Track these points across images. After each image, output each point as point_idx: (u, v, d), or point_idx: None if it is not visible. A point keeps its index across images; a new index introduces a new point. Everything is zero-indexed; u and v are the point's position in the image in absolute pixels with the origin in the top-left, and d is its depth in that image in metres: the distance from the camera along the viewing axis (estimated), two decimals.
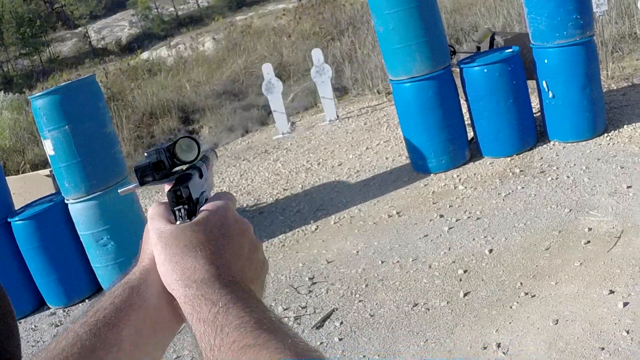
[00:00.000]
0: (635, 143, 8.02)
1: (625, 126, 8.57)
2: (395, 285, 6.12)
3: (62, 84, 8.92)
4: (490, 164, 8.46)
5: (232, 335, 0.83)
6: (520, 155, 8.45)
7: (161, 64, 21.48)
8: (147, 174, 1.05)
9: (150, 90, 17.07)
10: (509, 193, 7.49)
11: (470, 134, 8.90)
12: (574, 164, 7.81)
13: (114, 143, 7.91)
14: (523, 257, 6.06)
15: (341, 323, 5.72)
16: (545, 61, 8.30)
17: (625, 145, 8.03)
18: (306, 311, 6.09)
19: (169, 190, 1.03)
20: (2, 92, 22.20)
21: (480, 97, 8.36)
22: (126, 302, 0.98)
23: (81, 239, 7.76)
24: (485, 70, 8.22)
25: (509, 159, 8.43)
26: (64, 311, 7.92)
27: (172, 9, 39.52)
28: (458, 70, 8.64)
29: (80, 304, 7.96)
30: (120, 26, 46.34)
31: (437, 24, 8.53)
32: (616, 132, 8.47)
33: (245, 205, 9.39)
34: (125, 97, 16.86)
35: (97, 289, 8.02)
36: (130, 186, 1.12)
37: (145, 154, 1.06)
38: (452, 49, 9.29)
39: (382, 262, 6.59)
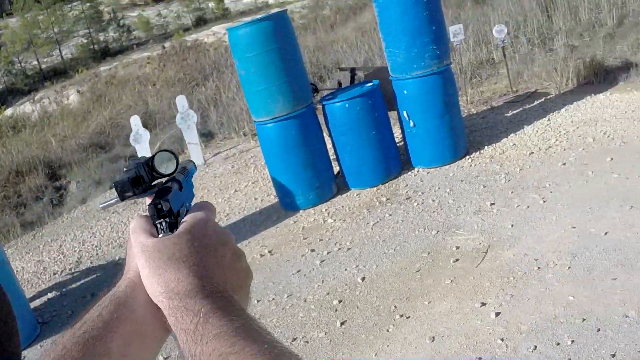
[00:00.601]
0: (496, 162, 8.33)
1: (485, 147, 8.89)
2: (272, 322, 6.09)
3: None
4: (357, 195, 8.60)
5: (211, 344, 0.85)
6: (386, 184, 8.63)
7: (25, 119, 20.99)
8: (127, 188, 1.05)
9: (15, 148, 16.60)
10: (377, 221, 7.62)
11: (337, 168, 9.03)
12: (439, 188, 8.03)
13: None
14: (395, 281, 6.17)
15: None
16: (405, 92, 8.55)
17: (487, 165, 8.32)
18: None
19: (150, 204, 1.04)
20: None
21: (343, 132, 8.53)
22: (113, 314, 0.98)
23: None
24: (347, 105, 8.38)
25: (375, 188, 8.59)
26: None
27: (36, 62, 38.62)
28: (321, 107, 8.76)
29: None
30: None
31: (298, 64, 8.66)
32: (477, 153, 8.78)
33: (117, 258, 9.19)
34: None
35: None
36: (111, 201, 1.11)
37: (125, 169, 1.07)
38: (314, 87, 9.42)
39: (258, 301, 6.56)
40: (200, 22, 44.30)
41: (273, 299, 6.56)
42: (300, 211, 8.61)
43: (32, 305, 8.35)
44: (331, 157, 8.96)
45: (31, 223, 12.71)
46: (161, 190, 1.07)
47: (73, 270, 9.46)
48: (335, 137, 8.69)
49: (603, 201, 6.63)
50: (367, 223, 7.64)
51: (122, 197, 1.06)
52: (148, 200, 1.06)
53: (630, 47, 11.85)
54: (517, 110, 10.48)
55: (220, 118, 15.21)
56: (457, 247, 6.45)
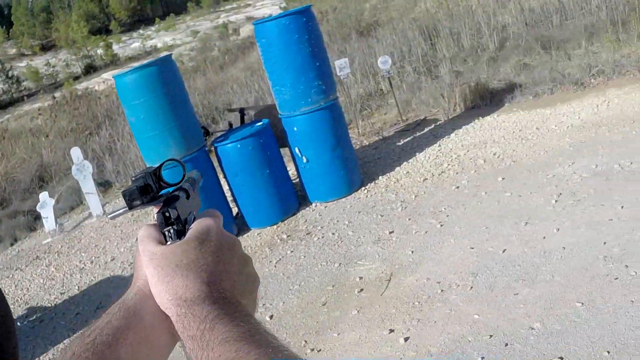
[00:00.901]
0: (391, 191, 8.46)
1: (380, 177, 9.03)
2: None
3: None
4: (258, 234, 8.60)
5: (217, 350, 0.85)
6: (285, 221, 8.66)
7: None
8: (135, 197, 1.06)
9: None
10: (280, 259, 7.63)
11: (235, 210, 9.00)
12: (337, 221, 8.10)
13: None
14: (303, 316, 6.18)
15: None
16: (295, 129, 8.62)
17: (383, 194, 8.45)
18: None
19: (158, 212, 1.05)
20: None
21: (237, 172, 8.53)
22: (123, 321, 0.98)
23: None
24: (238, 146, 8.39)
25: (275, 227, 8.62)
26: None
27: None
28: (214, 149, 8.74)
29: None
30: None
31: (187, 108, 8.62)
32: (372, 184, 8.91)
33: (24, 315, 8.93)
34: None
35: None
36: (120, 211, 1.12)
37: (132, 179, 1.07)
38: (206, 130, 9.40)
39: None
40: (90, 69, 43.89)
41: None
42: None
43: None
44: (229, 199, 8.94)
45: None
46: (169, 199, 1.08)
47: None
48: (230, 179, 8.67)
49: (498, 220, 6.82)
50: (270, 261, 7.63)
51: (131, 206, 1.07)
52: (156, 210, 1.07)
53: (513, 69, 12.29)
54: (408, 139, 10.69)
55: (117, 166, 15.02)
56: (361, 277, 6.52)
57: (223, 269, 1.00)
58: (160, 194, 1.09)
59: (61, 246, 11.46)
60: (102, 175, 14.81)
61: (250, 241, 8.44)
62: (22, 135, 22.58)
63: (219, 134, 9.60)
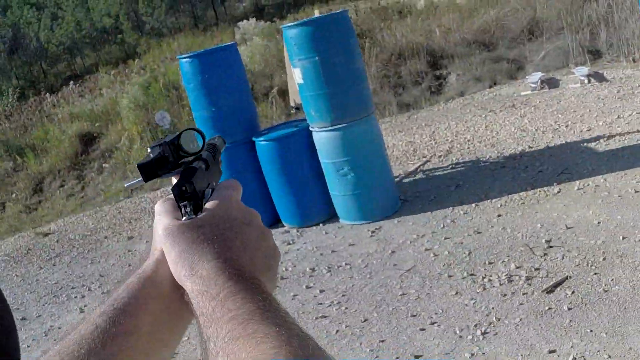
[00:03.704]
0: None
1: None
2: (634, 263, 5.73)
3: (315, 16, 9.10)
4: None
5: (225, 327, 0.83)
6: None
7: (411, 6, 21.32)
8: (151, 170, 1.06)
9: (399, 32, 17.04)
10: None
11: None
12: None
13: (363, 79, 7.99)
14: None
15: (572, 292, 5.47)
16: None
17: None
18: (539, 273, 5.90)
19: (174, 186, 1.03)
20: (255, 19, 23.19)
21: None
22: (142, 291, 0.99)
23: (322, 166, 7.98)
24: None
25: None
26: (297, 231, 8.26)
27: None
28: None
29: (314, 227, 8.26)
30: None
31: None
32: None
33: (488, 156, 9.23)
34: (375, 36, 16.92)
35: (330, 215, 8.30)
36: (135, 181, 1.12)
37: (149, 149, 1.07)
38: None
39: (624, 238, 6.18)
40: None
41: None
42: None
43: (397, 181, 8.76)
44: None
45: (407, 105, 13.19)
46: (186, 171, 1.05)
47: (442, 158, 9.72)
48: None
49: None
50: None
51: (147, 179, 1.06)
52: (174, 180, 1.05)
53: None
54: None
55: (610, 39, 14.45)
56: None
57: (241, 244, 0.98)
58: (180, 162, 1.06)
59: (539, 102, 11.46)
60: (593, 44, 14.34)
61: None
62: None
63: None
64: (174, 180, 1.06)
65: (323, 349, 0.79)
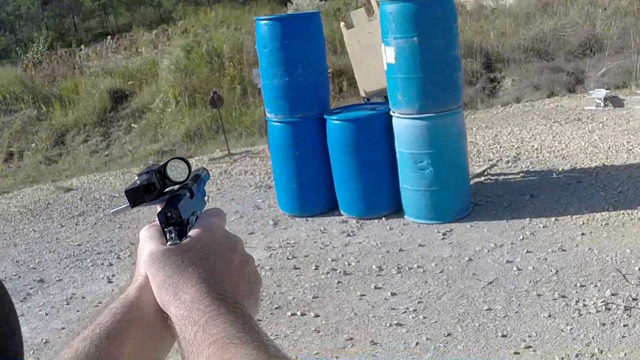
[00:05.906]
0: None
1: None
2: None
3: None
4: None
5: (206, 351, 0.85)
6: None
7: (461, 6, 20.94)
8: (138, 196, 1.05)
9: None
10: None
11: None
12: None
13: (458, 68, 7.43)
14: None
15: None
16: None
17: None
18: (637, 304, 5.39)
19: (160, 212, 1.04)
20: None
21: None
22: (126, 316, 0.99)
23: (397, 156, 7.39)
24: None
25: None
26: (357, 222, 7.68)
27: None
28: None
29: (375, 220, 7.68)
30: None
31: None
32: None
33: (560, 169, 8.75)
34: None
35: (394, 210, 7.71)
36: (122, 207, 1.10)
37: (136, 176, 1.05)
38: None
39: None
40: None
41: None
42: None
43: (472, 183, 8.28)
44: None
45: (464, 103, 12.80)
46: (171, 198, 1.06)
47: (511, 164, 9.23)
48: None
49: None
50: None
51: (133, 205, 1.05)
52: (159, 208, 1.05)
53: None
54: None
55: None
56: None
57: (224, 269, 0.99)
58: (165, 191, 1.07)
59: (606, 119, 11.07)
60: None
61: None
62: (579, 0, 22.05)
63: None
64: (159, 208, 1.06)
65: None
